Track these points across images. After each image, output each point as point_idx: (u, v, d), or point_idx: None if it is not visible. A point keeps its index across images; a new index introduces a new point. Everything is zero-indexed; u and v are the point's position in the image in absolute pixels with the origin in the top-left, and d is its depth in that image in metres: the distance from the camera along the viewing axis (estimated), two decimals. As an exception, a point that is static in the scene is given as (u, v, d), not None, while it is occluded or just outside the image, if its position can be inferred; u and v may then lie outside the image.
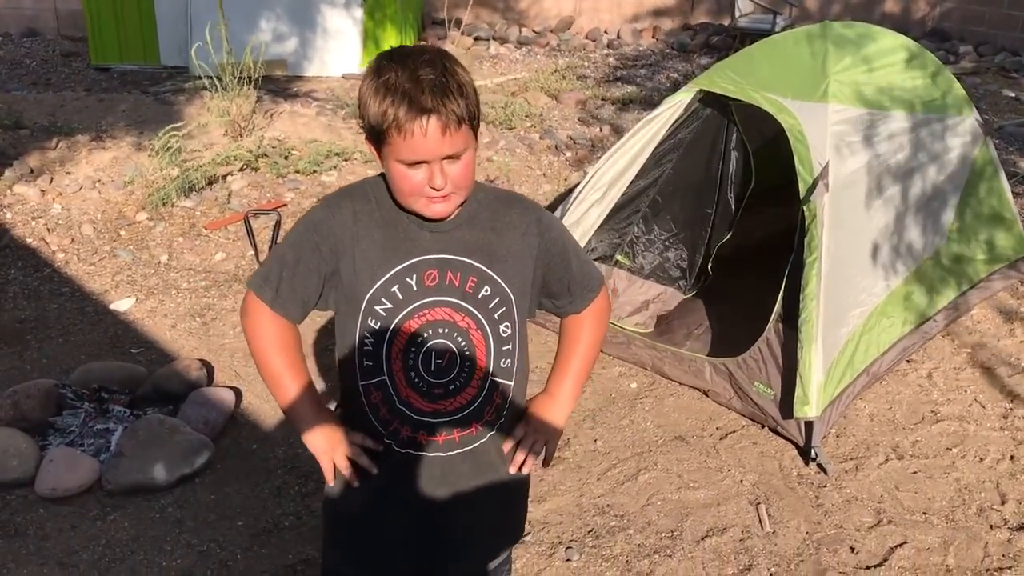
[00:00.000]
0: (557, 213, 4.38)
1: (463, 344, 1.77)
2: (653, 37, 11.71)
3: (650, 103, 8.21)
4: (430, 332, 1.75)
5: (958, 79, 4.90)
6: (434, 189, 1.64)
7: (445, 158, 1.62)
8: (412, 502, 1.86)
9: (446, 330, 1.76)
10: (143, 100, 7.87)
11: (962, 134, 4.54)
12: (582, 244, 4.23)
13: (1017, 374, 4.23)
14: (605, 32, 11.76)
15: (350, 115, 7.54)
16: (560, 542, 3.14)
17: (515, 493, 2.03)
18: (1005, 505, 3.36)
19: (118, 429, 3.58)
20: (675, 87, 8.32)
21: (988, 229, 4.70)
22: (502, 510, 2.01)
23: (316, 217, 1.76)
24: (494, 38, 11.33)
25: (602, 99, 8.62)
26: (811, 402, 3.49)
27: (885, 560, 3.07)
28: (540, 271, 1.85)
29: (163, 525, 3.19)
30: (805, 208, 3.65)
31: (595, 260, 4.44)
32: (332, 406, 1.95)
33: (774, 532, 3.20)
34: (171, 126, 6.18)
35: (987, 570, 3.04)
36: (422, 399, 1.77)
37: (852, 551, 3.11)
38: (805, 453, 3.59)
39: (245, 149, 6.44)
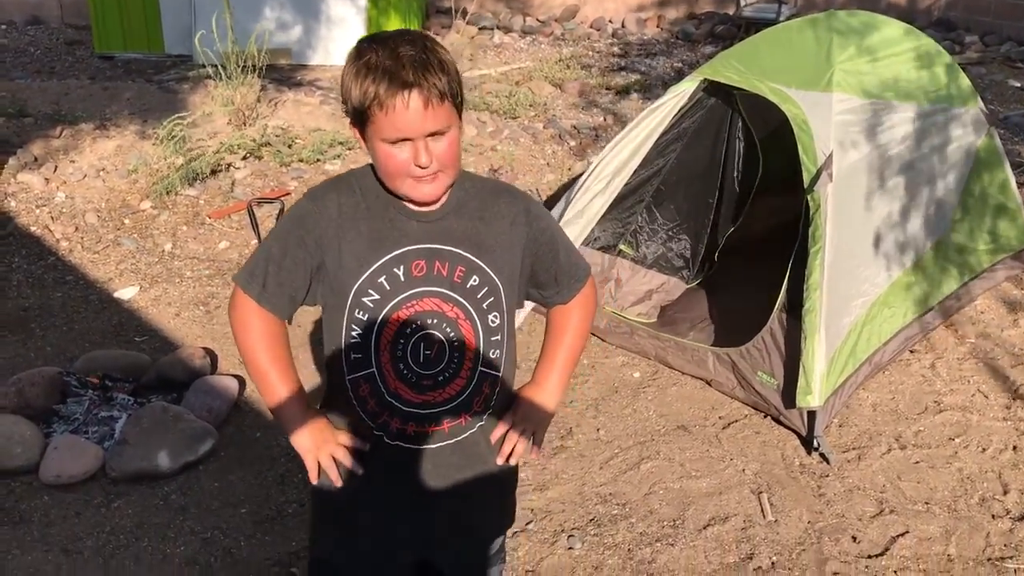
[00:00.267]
0: (561, 203, 4.38)
1: (452, 334, 1.76)
2: (658, 26, 11.68)
3: (654, 92, 8.19)
4: (419, 323, 1.74)
5: (963, 69, 4.88)
6: (420, 167, 1.62)
7: (429, 135, 1.61)
8: (403, 493, 1.85)
9: (435, 320, 1.75)
10: (147, 89, 7.87)
11: (967, 124, 4.53)
12: (585, 234, 4.23)
13: (1020, 364, 4.22)
14: (610, 21, 11.73)
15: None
16: (562, 530, 3.14)
17: (504, 482, 2.02)
18: (1007, 495, 3.36)
19: (122, 417, 3.59)
20: (679, 76, 8.31)
21: (992, 219, 4.69)
22: (492, 499, 2.00)
23: (301, 210, 1.74)
24: (498, 27, 11.31)
25: (606, 88, 8.60)
26: (814, 392, 3.49)
27: (887, 549, 3.08)
28: (528, 261, 1.84)
29: (167, 512, 3.20)
30: (809, 198, 3.65)
31: (598, 249, 4.44)
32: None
33: (776, 521, 3.21)
34: (175, 115, 6.18)
35: (989, 559, 3.05)
36: (411, 391, 1.76)
37: (854, 540, 3.12)
38: (808, 443, 3.60)
39: (249, 138, 6.45)
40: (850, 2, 11.26)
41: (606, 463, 3.53)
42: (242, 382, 3.92)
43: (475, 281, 1.75)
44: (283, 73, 8.74)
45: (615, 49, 10.47)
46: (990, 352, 4.32)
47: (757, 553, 3.05)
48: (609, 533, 3.13)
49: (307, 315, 4.06)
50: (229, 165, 6.21)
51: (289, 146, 6.53)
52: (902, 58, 4.29)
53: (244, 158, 6.31)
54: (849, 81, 3.91)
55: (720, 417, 3.84)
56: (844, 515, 3.24)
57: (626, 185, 4.29)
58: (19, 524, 3.11)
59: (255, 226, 5.06)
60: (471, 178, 1.82)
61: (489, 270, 1.76)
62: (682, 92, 4.20)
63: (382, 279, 1.70)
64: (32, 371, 3.75)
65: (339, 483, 1.83)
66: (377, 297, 1.71)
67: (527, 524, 3.17)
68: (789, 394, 3.60)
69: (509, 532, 3.04)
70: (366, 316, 1.72)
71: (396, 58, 1.57)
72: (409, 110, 1.57)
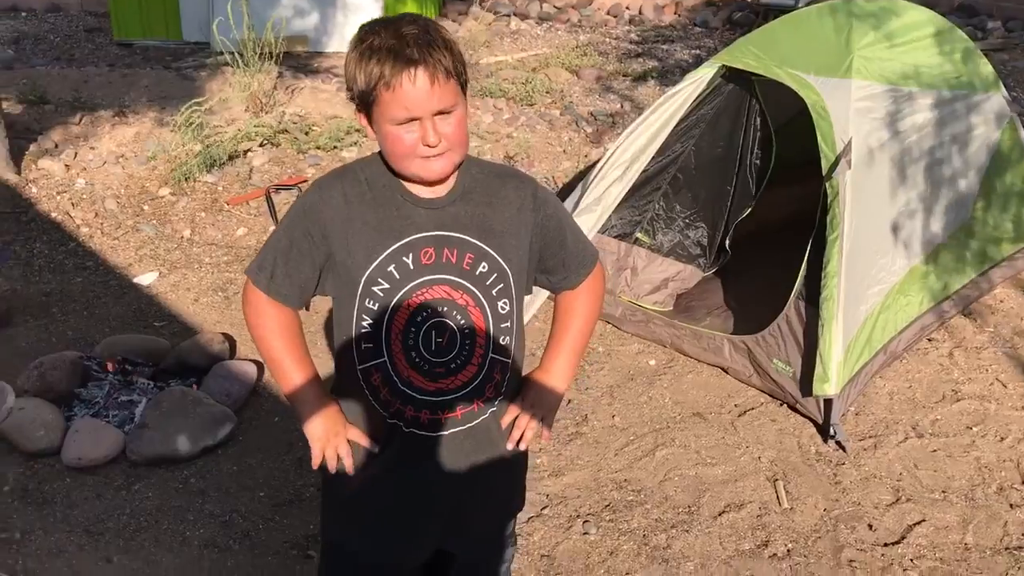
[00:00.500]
0: (577, 190, 4.38)
1: (462, 322, 1.76)
2: (675, 13, 11.60)
3: (671, 79, 8.16)
4: (429, 311, 1.74)
5: (986, 56, 4.84)
6: (428, 147, 1.63)
7: (436, 114, 1.62)
8: (417, 480, 1.87)
9: (445, 308, 1.75)
10: (165, 76, 7.90)
11: (989, 112, 4.49)
12: (601, 222, 4.23)
13: (1039, 354, 4.20)
14: (627, 8, 11.66)
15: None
16: (577, 516, 3.16)
17: (516, 467, 2.03)
18: (1025, 484, 3.35)
19: (142, 401, 3.63)
20: (697, 63, 8.26)
21: (1014, 207, 4.65)
22: (505, 484, 2.02)
23: (307, 202, 1.75)
24: (515, 14, 11.27)
25: (623, 75, 8.56)
26: (830, 380, 3.49)
27: (903, 538, 3.07)
28: (536, 246, 1.84)
29: (186, 495, 3.23)
30: (827, 185, 3.63)
31: (614, 238, 4.44)
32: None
33: (791, 509, 3.21)
34: (193, 101, 6.21)
35: (1006, 548, 3.04)
36: (424, 379, 1.77)
37: (870, 528, 3.12)
38: (824, 431, 3.60)
39: (266, 125, 6.46)
40: (870, -12, 11.14)
41: (621, 450, 3.54)
42: (260, 367, 3.94)
43: (484, 268, 1.76)
44: (300, 60, 8.75)
45: (632, 36, 10.42)
46: (1009, 341, 4.29)
47: (772, 540, 3.06)
48: (624, 519, 3.15)
49: (324, 302, 4.10)
50: (246, 152, 6.23)
51: (306, 133, 6.54)
52: (923, 44, 4.26)
53: (261, 145, 6.33)
54: (869, 67, 3.88)
55: (736, 405, 3.84)
56: (860, 503, 3.24)
57: (643, 172, 4.28)
58: (43, 505, 3.15)
59: (273, 213, 5.08)
60: (478, 164, 1.82)
61: (498, 256, 1.76)
62: (700, 78, 4.19)
63: (391, 268, 1.71)
64: (54, 355, 3.79)
65: (348, 470, 1.84)
66: (387, 286, 1.71)
67: (542, 509, 3.19)
68: (806, 382, 3.59)
69: (524, 517, 3.07)
70: (376, 305, 1.73)
71: (400, 37, 1.58)
72: (416, 87, 1.58)
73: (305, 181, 5.89)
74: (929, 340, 4.25)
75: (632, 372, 4.09)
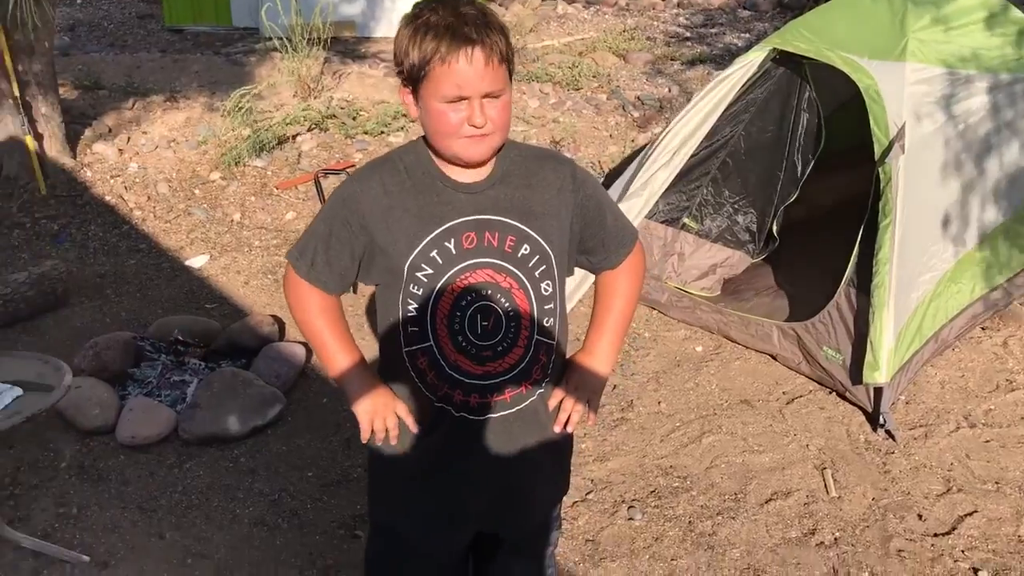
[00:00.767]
0: (624, 175, 4.35)
1: (507, 305, 1.77)
2: (724, -4, 11.46)
3: (721, 63, 8.07)
4: (473, 295, 1.75)
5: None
6: (474, 127, 1.63)
7: (485, 96, 1.62)
8: (466, 463, 1.87)
9: (489, 291, 1.75)
10: (215, 61, 8.00)
11: (1048, 95, 4.37)
12: (649, 207, 4.20)
13: (1098, 344, 4.10)
14: (675, -9, 11.54)
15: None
16: (623, 501, 3.16)
17: (563, 449, 2.04)
18: (1081, 476, 3.28)
19: (194, 381, 3.69)
20: (747, 47, 8.16)
21: (1072, 194, 4.54)
22: (552, 466, 2.02)
23: (346, 192, 1.76)
24: (562, -2, 11.22)
25: (671, 59, 8.49)
26: (881, 368, 3.44)
27: (954, 528, 3.03)
28: (577, 227, 1.83)
29: (236, 474, 3.29)
30: (880, 170, 3.57)
31: (662, 223, 4.41)
32: None
33: (839, 497, 3.18)
34: (242, 87, 6.28)
35: (1060, 541, 2.98)
36: (471, 362, 1.77)
37: (920, 518, 3.08)
38: (873, 419, 3.55)
39: (314, 110, 6.52)
40: (925, -30, 10.90)
41: (667, 436, 3.52)
42: (308, 349, 3.99)
43: (526, 250, 1.76)
44: (347, 45, 8.81)
45: (680, 19, 10.32)
46: (1066, 330, 4.20)
47: (820, 528, 3.03)
48: (670, 505, 3.14)
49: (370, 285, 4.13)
50: (295, 136, 6.30)
51: (354, 118, 6.59)
52: (980, 26, 4.16)
53: (309, 130, 6.39)
54: (924, 50, 3.81)
55: (784, 392, 3.80)
56: (910, 493, 3.20)
57: (691, 158, 4.24)
58: (98, 482, 3.23)
59: (321, 197, 5.13)
60: (516, 147, 1.82)
61: (539, 238, 1.76)
62: (750, 62, 4.14)
63: (434, 253, 1.72)
64: (108, 335, 3.87)
65: (393, 441, 1.85)
66: (431, 271, 1.72)
67: (587, 494, 3.19)
68: (855, 370, 3.55)
69: (568, 501, 3.08)
70: (421, 290, 1.74)
71: (458, 16, 1.59)
72: (471, 66, 1.58)
73: (353, 166, 5.93)
74: (983, 329, 4.18)
75: (679, 358, 4.07)
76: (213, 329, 4.10)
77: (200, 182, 5.77)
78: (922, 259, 3.73)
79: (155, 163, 5.92)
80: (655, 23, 10.13)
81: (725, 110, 4.18)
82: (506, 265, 1.75)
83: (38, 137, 5.61)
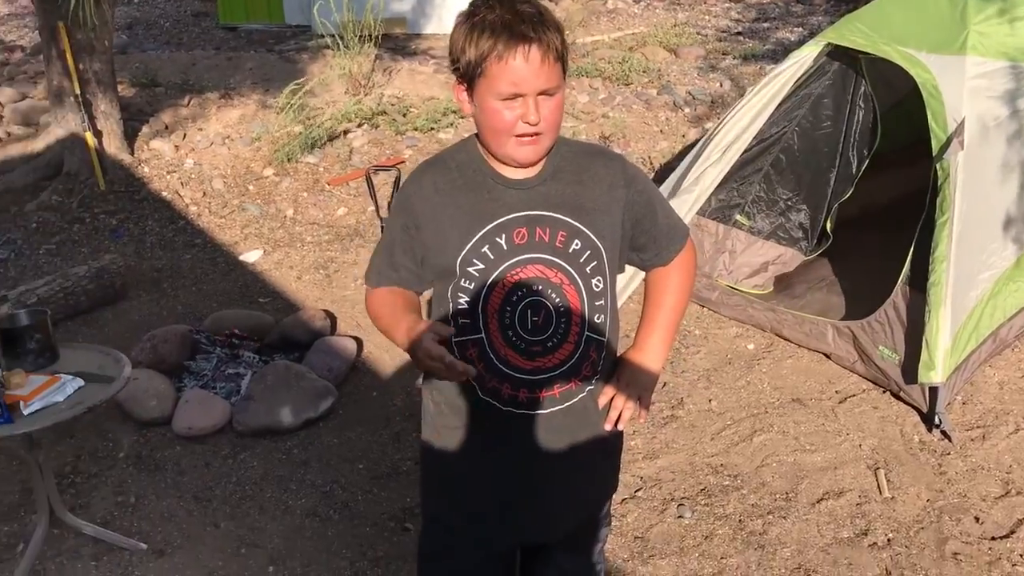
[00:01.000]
0: (676, 171, 4.33)
1: (557, 300, 1.77)
2: (777, -10, 11.32)
3: (774, 58, 7.98)
4: (524, 290, 1.75)
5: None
6: (528, 124, 1.64)
7: (540, 94, 1.63)
8: (516, 458, 1.87)
9: (540, 287, 1.75)
10: (268, 58, 8.10)
11: (1113, 89, 4.25)
12: (700, 203, 4.17)
13: None
14: (727, -15, 11.43)
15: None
16: (672, 499, 3.15)
17: (612, 447, 2.03)
18: None
19: (248, 374, 3.76)
20: (800, 42, 8.05)
21: None
22: (600, 464, 2.01)
23: (402, 196, 1.79)
24: (612, -7, 11.17)
25: (723, 54, 8.41)
26: (937, 367, 3.38)
27: (1012, 532, 2.96)
28: (628, 223, 1.83)
29: (289, 466, 3.34)
30: (938, 167, 3.51)
31: (713, 220, 4.38)
32: (420, 379, 1.89)
33: (893, 498, 3.13)
34: (294, 83, 6.35)
35: (1123, 547, 2.91)
36: (521, 357, 1.77)
37: (977, 521, 3.02)
38: (928, 420, 3.49)
39: (365, 106, 6.58)
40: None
41: (718, 434, 3.50)
42: (360, 343, 4.04)
43: (577, 245, 1.76)
44: (398, 42, 8.86)
45: (732, 14, 10.22)
46: None
47: (872, 529, 2.99)
48: (720, 504, 3.12)
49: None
50: (346, 133, 6.36)
51: (404, 115, 6.63)
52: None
53: (360, 126, 6.45)
54: (985, 43, 3.72)
55: (837, 391, 3.75)
56: (966, 495, 3.14)
57: (744, 153, 4.20)
58: (155, 471, 3.30)
59: (373, 193, 5.17)
60: (566, 143, 1.82)
61: (590, 233, 1.76)
62: (804, 57, 4.09)
63: (485, 248, 1.73)
64: (165, 328, 3.95)
65: (457, 376, 1.66)
66: (482, 266, 1.73)
67: (636, 491, 3.18)
68: (911, 369, 3.49)
69: (617, 498, 3.07)
70: (472, 284, 1.75)
71: (515, 14, 1.60)
72: (527, 63, 1.59)
73: (403, 162, 5.98)
74: (1044, 329, 4.08)
75: (730, 356, 4.04)
76: (266, 323, 4.16)
77: (254, 178, 5.86)
78: (980, 257, 3.65)
79: (210, 159, 6.02)
80: (706, 18, 10.05)
81: (778, 106, 4.14)
82: (557, 261, 1.75)
83: (98, 134, 5.73)
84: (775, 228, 4.41)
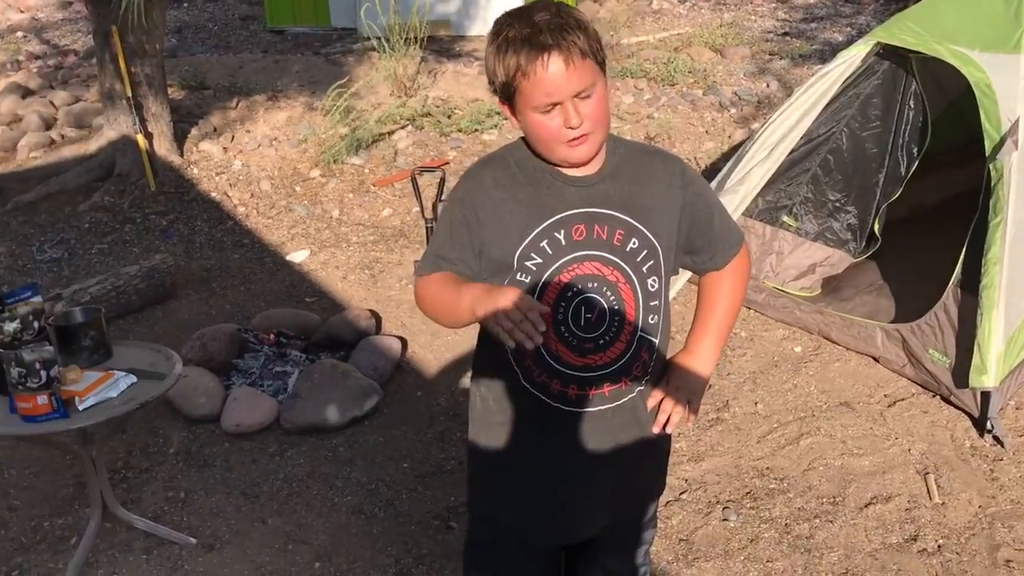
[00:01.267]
0: (722, 171, 4.30)
1: (612, 298, 1.77)
2: (825, -11, 11.19)
3: (822, 58, 7.88)
4: (579, 286, 1.75)
5: None
6: (571, 129, 1.64)
7: (576, 96, 1.63)
8: (563, 456, 1.87)
9: (595, 284, 1.75)
10: (314, 61, 8.18)
11: None
12: (746, 204, 4.14)
13: None
14: (773, -15, 11.32)
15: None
16: (717, 502, 3.12)
17: (660, 449, 2.02)
18: None
19: (294, 372, 3.80)
20: (848, 42, 7.95)
21: None
22: (648, 466, 2.00)
23: (460, 192, 1.79)
24: (657, -7, 11.12)
25: (770, 54, 8.33)
26: (989, 371, 3.32)
27: (1067, 540, 2.91)
28: (684, 225, 1.82)
29: (335, 463, 3.37)
30: (991, 167, 3.45)
31: (760, 221, 4.34)
32: (467, 378, 1.88)
33: (943, 504, 3.08)
34: (338, 84, 6.41)
35: None
36: (572, 354, 1.78)
37: (1030, 528, 2.96)
38: (980, 424, 3.43)
39: (410, 108, 6.62)
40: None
41: (764, 437, 3.47)
42: (404, 343, 4.07)
43: (634, 244, 1.76)
44: (442, 44, 8.90)
45: (779, 14, 10.12)
46: None
47: (922, 535, 2.94)
48: (766, 507, 3.09)
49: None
50: (391, 134, 6.41)
51: (448, 116, 6.67)
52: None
53: (405, 128, 6.49)
54: (1041, 42, 3.65)
55: (885, 395, 3.70)
56: (1020, 501, 3.08)
57: (791, 154, 4.17)
58: (203, 468, 3.35)
59: (418, 194, 5.21)
60: (624, 143, 1.82)
61: (648, 232, 1.76)
62: (853, 57, 4.04)
63: (544, 243, 1.73)
64: (214, 327, 4.02)
65: (535, 338, 1.56)
66: (539, 261, 1.74)
67: (681, 494, 3.17)
68: (962, 373, 3.43)
69: (662, 500, 3.05)
70: (528, 278, 1.75)
71: (532, 25, 1.60)
72: (552, 72, 1.59)
73: (447, 163, 6.01)
74: (1100, 333, 3.98)
75: (776, 358, 4.00)
76: (313, 322, 4.21)
77: (300, 179, 5.92)
78: (1035, 259, 3.58)
79: (258, 161, 6.10)
80: (753, 18, 9.96)
81: (827, 106, 4.09)
82: (614, 259, 1.75)
83: (148, 136, 5.84)
84: (823, 229, 4.36)
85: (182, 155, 6.08)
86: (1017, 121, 3.42)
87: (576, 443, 1.85)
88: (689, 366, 1.93)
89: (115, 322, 4.27)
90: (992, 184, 3.44)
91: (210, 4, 11.59)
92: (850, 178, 4.29)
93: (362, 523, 3.07)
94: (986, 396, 3.39)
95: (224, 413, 3.56)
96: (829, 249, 4.36)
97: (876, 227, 4.26)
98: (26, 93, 7.39)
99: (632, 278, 1.77)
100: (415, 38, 6.93)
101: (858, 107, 4.17)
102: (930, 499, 3.11)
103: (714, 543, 2.94)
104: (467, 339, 3.92)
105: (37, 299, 2.71)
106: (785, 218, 4.34)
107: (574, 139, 1.66)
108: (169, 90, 6.31)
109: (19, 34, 10.26)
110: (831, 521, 3.02)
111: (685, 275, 3.98)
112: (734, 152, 4.36)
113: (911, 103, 4.06)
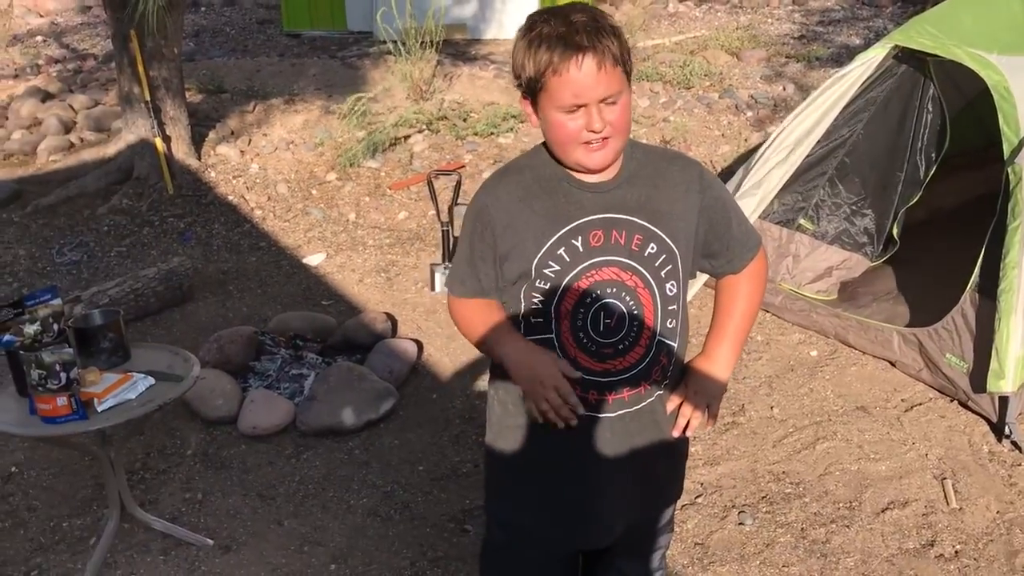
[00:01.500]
0: (738, 174, 4.29)
1: (631, 303, 1.77)
2: (841, -8, 11.14)
3: (838, 62, 7.86)
4: (598, 292, 1.76)
5: None
6: (592, 132, 1.64)
7: (602, 101, 1.63)
8: (582, 460, 1.87)
9: (614, 289, 1.76)
10: (331, 65, 8.21)
11: None
12: (763, 207, 4.13)
13: None
14: (790, -12, 11.28)
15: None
16: (733, 506, 3.12)
17: (679, 453, 2.02)
18: None
19: (311, 375, 3.82)
20: (865, 45, 7.91)
21: None
22: (666, 470, 2.01)
23: (477, 205, 1.80)
24: (673, -3, 11.10)
25: (786, 57, 8.30)
26: (1007, 376, 3.30)
27: (1086, 546, 2.88)
28: (702, 229, 1.83)
29: (351, 466, 3.39)
30: (1009, 170, 3.42)
31: (776, 224, 4.33)
32: (483, 381, 1.93)
33: (961, 509, 3.07)
34: (357, 90, 6.45)
35: None
36: (591, 359, 1.78)
37: (1049, 534, 2.94)
38: (998, 430, 3.41)
39: (426, 112, 6.64)
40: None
41: (779, 441, 3.46)
42: (420, 346, 4.08)
43: (653, 249, 1.76)
44: (458, 48, 8.92)
45: (796, 16, 10.08)
46: None
47: (939, 540, 2.93)
48: (782, 511, 3.08)
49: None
50: (407, 138, 6.42)
51: (464, 120, 6.68)
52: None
53: (421, 131, 6.51)
54: (1059, 45, 3.63)
55: (902, 400, 3.69)
56: (1038, 507, 3.06)
57: (808, 157, 4.15)
58: (220, 469, 3.37)
59: (434, 197, 5.22)
60: (641, 147, 1.82)
61: (666, 237, 1.76)
62: (870, 60, 4.02)
63: (561, 251, 1.74)
64: (231, 330, 4.04)
65: (565, 422, 1.77)
66: (557, 268, 1.74)
67: (696, 498, 3.16)
68: (979, 378, 3.41)
69: (678, 504, 3.05)
70: (547, 285, 1.76)
71: (569, 25, 1.61)
72: (584, 73, 1.60)
73: (463, 167, 6.02)
74: (1121, 338, 3.95)
75: (792, 363, 3.99)
76: (329, 325, 4.22)
77: (317, 183, 5.95)
78: (1054, 263, 3.55)
79: (275, 164, 6.13)
80: (769, 21, 9.93)
81: (844, 108, 4.08)
82: (632, 264, 1.76)
83: (166, 139, 5.88)
84: (840, 232, 4.34)
85: (200, 158, 6.12)
86: (1036, 124, 3.40)
87: (594, 447, 1.86)
88: (707, 370, 1.93)
89: (133, 324, 4.30)
90: (1010, 187, 3.42)
91: (227, 8, 11.66)
92: (867, 181, 4.28)
93: (378, 525, 3.08)
94: (1004, 401, 3.37)
95: (241, 415, 3.58)
96: (846, 252, 4.34)
97: (895, 230, 4.24)
98: (46, 97, 7.46)
99: (650, 283, 1.77)
100: (431, 42, 6.95)
101: (876, 110, 4.15)
102: (947, 504, 3.09)
103: (730, 547, 2.93)
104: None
105: (57, 302, 2.73)
106: (802, 221, 4.33)
107: (593, 143, 1.66)
108: (187, 94, 6.35)
109: (39, 38, 10.36)
110: (847, 526, 3.00)
111: (702, 278, 3.98)
112: (750, 155, 4.35)
113: (929, 106, 4.04)
